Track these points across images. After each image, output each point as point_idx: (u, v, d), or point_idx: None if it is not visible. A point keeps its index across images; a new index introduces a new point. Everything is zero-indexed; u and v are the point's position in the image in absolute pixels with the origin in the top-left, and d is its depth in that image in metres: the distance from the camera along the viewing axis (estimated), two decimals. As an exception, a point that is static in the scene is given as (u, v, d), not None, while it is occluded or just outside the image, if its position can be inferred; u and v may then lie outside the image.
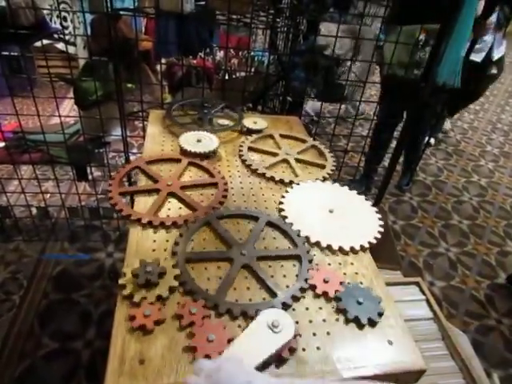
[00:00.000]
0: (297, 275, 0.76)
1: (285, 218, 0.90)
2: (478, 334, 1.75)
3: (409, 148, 2.55)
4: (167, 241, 0.80)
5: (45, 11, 3.02)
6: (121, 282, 0.69)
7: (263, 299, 0.70)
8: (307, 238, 0.85)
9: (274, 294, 0.70)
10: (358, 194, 1.03)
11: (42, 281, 1.71)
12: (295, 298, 0.71)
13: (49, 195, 2.17)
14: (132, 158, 2.33)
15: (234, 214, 0.89)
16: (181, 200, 0.93)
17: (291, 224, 0.87)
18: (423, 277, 1.98)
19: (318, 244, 0.84)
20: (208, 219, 0.86)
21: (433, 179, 2.92)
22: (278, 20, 1.69)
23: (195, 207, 0.90)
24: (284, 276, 0.76)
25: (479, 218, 2.53)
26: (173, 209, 0.90)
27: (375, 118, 1.86)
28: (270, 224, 0.88)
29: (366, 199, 1.00)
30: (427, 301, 1.44)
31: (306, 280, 0.74)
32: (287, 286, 0.73)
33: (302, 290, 0.72)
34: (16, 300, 1.61)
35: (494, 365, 1.63)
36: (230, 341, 0.62)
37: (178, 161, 1.06)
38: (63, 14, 3.36)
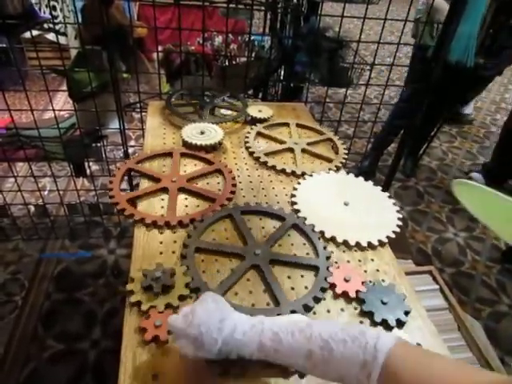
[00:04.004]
0: (306, 287, 0.69)
1: (297, 211, 0.84)
2: (490, 321, 1.72)
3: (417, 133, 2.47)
4: (175, 242, 0.75)
5: (33, 0, 2.91)
6: (129, 287, 0.64)
7: (267, 305, 0.65)
8: (322, 233, 0.80)
9: (277, 303, 0.65)
10: (366, 180, 0.97)
11: (43, 281, 1.66)
12: (316, 299, 0.66)
13: (46, 192, 2.11)
14: (130, 150, 2.26)
15: (255, 210, 0.84)
16: (193, 194, 0.88)
17: (313, 226, 0.81)
18: (433, 263, 1.94)
19: (333, 239, 0.79)
20: (230, 212, 0.81)
21: (438, 163, 2.86)
22: (277, 0, 1.60)
23: (213, 197, 0.86)
24: (292, 288, 0.69)
25: (486, 201, 2.48)
26: (189, 205, 0.85)
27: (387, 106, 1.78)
28: (295, 227, 0.81)
29: (382, 190, 0.95)
30: (441, 290, 1.41)
31: (325, 278, 0.69)
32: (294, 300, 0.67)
33: (323, 289, 0.68)
34: (18, 301, 1.57)
35: (507, 352, 1.60)
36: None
37: (169, 154, 0.99)
38: (52, 2, 3.24)
